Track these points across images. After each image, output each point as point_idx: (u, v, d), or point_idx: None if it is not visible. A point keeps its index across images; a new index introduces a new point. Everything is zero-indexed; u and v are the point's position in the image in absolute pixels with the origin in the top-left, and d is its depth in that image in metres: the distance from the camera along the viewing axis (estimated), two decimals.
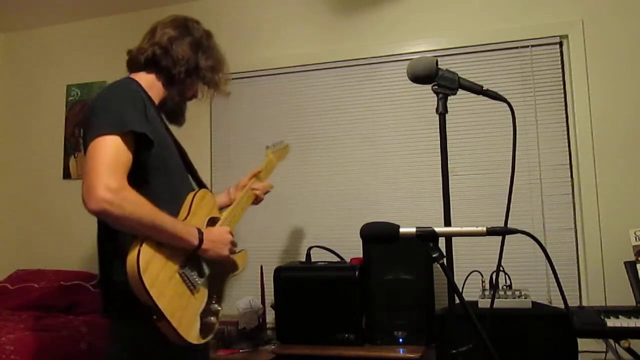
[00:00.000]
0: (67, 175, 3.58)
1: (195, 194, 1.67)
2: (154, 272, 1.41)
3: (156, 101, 1.71)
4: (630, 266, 2.24)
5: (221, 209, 1.93)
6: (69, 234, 3.51)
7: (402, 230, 1.29)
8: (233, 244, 1.72)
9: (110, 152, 1.39)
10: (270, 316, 2.86)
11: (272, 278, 2.66)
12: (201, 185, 1.82)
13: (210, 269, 1.64)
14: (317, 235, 3.03)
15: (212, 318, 1.59)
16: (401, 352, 2.40)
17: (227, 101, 3.29)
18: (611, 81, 2.67)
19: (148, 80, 1.70)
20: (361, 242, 2.58)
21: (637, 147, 2.63)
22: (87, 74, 3.60)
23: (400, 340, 2.47)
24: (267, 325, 2.90)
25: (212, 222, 1.74)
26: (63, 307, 2.87)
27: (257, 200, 2.14)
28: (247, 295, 2.91)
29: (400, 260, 2.51)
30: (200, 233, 1.57)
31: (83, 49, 3.67)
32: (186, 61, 1.71)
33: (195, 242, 1.55)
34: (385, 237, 1.32)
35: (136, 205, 1.40)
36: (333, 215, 3.04)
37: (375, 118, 3.03)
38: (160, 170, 1.58)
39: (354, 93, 3.08)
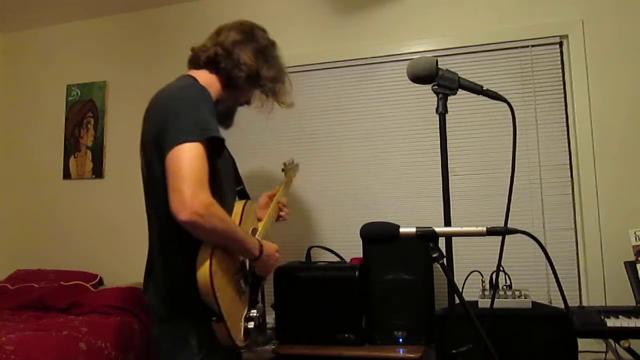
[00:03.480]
0: (67, 175, 3.58)
1: (245, 204, 1.76)
2: (220, 275, 1.49)
3: None
4: (630, 266, 2.24)
5: None
6: (69, 234, 3.52)
7: (402, 230, 1.29)
8: (278, 261, 1.82)
9: (198, 161, 1.41)
10: (270, 316, 2.86)
11: (272, 278, 2.66)
12: (245, 193, 1.89)
13: (252, 277, 1.73)
14: (317, 235, 3.03)
15: (251, 323, 1.67)
16: (401, 352, 2.40)
17: None
18: (611, 81, 2.67)
19: (207, 80, 1.71)
20: (361, 242, 2.58)
21: (636, 147, 2.63)
22: (87, 74, 3.60)
23: (400, 340, 2.47)
24: (267, 325, 2.90)
25: (253, 232, 1.82)
26: (63, 307, 2.87)
27: (280, 216, 2.20)
28: None
29: (400, 260, 2.51)
30: (261, 246, 1.66)
31: (83, 49, 3.67)
32: (247, 67, 1.73)
33: (257, 254, 1.65)
34: (385, 237, 1.32)
35: (221, 221, 1.46)
36: (333, 215, 3.05)
37: (375, 118, 3.03)
38: (218, 178, 1.62)
39: (354, 93, 3.08)
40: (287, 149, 3.17)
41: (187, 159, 1.40)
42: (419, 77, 1.51)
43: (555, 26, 2.77)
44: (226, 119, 1.85)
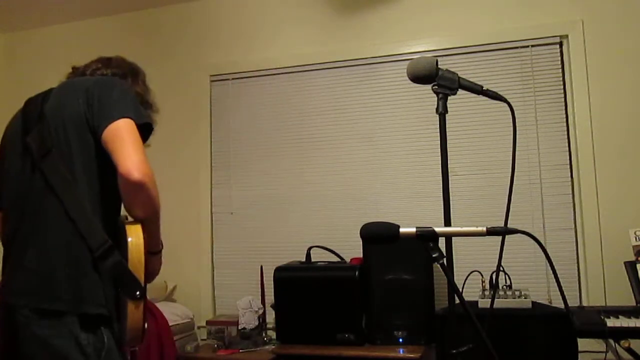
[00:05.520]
0: None
1: None
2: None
3: None
4: (630, 266, 2.24)
5: None
6: None
7: (402, 230, 1.29)
8: None
9: (139, 137, 1.44)
10: (270, 316, 2.86)
11: (272, 278, 2.66)
12: None
13: None
14: (317, 235, 3.02)
15: (146, 323, 1.57)
16: (401, 352, 2.41)
17: (227, 101, 3.30)
18: (611, 81, 2.67)
19: None
20: (361, 242, 2.58)
21: (636, 147, 2.63)
22: None
23: (400, 340, 2.47)
24: (267, 325, 2.90)
25: None
26: None
27: None
28: (247, 295, 2.92)
29: (400, 260, 2.51)
30: (161, 242, 1.64)
31: (83, 49, 3.66)
32: (139, 94, 1.75)
33: (161, 247, 1.62)
34: (385, 237, 1.32)
35: (157, 193, 1.46)
36: (333, 215, 3.04)
37: (375, 118, 3.03)
38: None
39: (354, 93, 3.08)
40: (287, 148, 3.17)
41: (132, 131, 1.43)
42: (419, 77, 1.51)
43: (555, 26, 2.77)
44: None
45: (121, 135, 1.42)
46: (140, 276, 1.40)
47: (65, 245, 1.42)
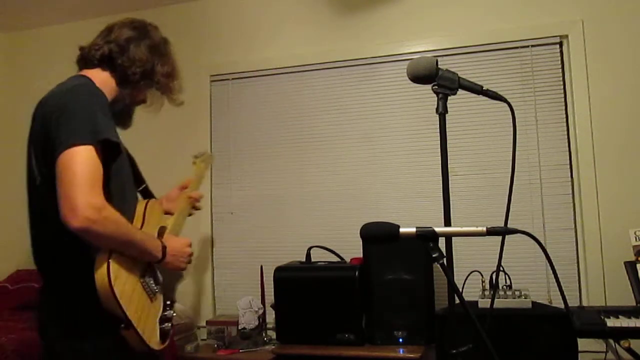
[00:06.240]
0: None
1: (147, 204, 1.69)
2: (121, 282, 1.43)
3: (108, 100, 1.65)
4: (630, 266, 2.24)
5: None
6: None
7: (402, 230, 1.29)
8: (191, 256, 1.72)
9: (88, 163, 1.36)
10: (270, 316, 2.86)
11: (272, 278, 2.66)
12: (148, 192, 1.81)
13: (164, 276, 1.67)
14: (317, 235, 3.02)
15: (168, 324, 1.61)
16: (401, 352, 2.41)
17: (227, 101, 3.30)
18: (611, 81, 2.67)
19: (102, 79, 1.65)
20: (361, 242, 2.58)
21: (637, 147, 2.63)
22: None
23: (400, 340, 2.47)
24: (267, 325, 2.90)
25: (161, 230, 1.74)
26: None
27: (194, 209, 2.10)
28: (247, 295, 2.92)
29: (400, 260, 2.51)
30: (164, 247, 1.59)
31: None
32: (143, 63, 1.69)
33: (159, 256, 1.58)
34: (385, 237, 1.32)
35: (116, 224, 1.40)
36: (333, 215, 3.05)
37: (375, 118, 3.03)
38: (119, 180, 1.56)
39: (354, 93, 3.08)
40: (287, 148, 3.17)
41: (78, 163, 1.34)
42: (419, 77, 1.51)
43: (555, 26, 2.77)
44: (124, 119, 1.76)
45: (62, 172, 1.34)
46: (115, 307, 1.39)
47: (58, 279, 1.50)
